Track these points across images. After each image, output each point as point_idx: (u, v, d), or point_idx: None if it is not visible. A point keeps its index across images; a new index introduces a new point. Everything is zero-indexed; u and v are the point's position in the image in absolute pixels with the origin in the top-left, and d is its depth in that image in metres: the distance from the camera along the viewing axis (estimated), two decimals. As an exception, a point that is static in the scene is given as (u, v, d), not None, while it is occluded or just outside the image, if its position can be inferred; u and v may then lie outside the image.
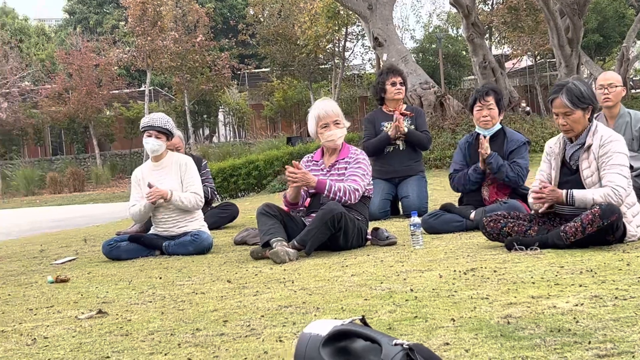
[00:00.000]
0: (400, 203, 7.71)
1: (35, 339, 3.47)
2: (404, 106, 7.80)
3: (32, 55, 38.01)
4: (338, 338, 2.22)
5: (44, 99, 31.53)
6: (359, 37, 30.49)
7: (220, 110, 36.25)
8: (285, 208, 5.77)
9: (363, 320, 2.29)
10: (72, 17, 44.64)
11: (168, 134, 6.44)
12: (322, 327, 2.26)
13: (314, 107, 5.83)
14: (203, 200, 6.41)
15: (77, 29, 39.79)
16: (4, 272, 6.25)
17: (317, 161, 5.88)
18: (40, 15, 71.44)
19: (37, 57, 37.90)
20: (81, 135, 33.89)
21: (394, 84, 7.69)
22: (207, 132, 37.47)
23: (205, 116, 34.98)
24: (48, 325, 3.75)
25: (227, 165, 16.30)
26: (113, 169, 31.73)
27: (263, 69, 34.90)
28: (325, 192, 5.50)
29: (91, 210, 18.18)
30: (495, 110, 6.10)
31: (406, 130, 7.57)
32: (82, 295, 4.62)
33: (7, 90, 31.31)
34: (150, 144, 6.38)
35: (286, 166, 5.70)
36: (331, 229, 5.30)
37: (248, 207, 10.64)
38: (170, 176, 6.37)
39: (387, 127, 7.64)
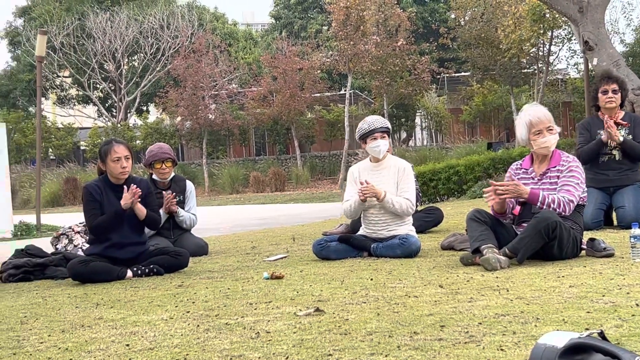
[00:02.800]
0: (614, 213, 7.39)
1: (258, 332, 3.61)
2: (621, 114, 7.44)
3: (239, 59, 39.59)
4: (575, 351, 2.16)
5: (249, 101, 32.73)
6: (565, 40, 29.57)
7: (417, 114, 36.27)
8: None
9: (602, 334, 2.21)
10: (277, 22, 46.16)
11: (389, 132, 6.51)
12: (558, 338, 2.21)
13: (525, 113, 5.67)
14: (414, 208, 6.43)
15: (283, 33, 41.09)
16: (220, 267, 6.55)
17: (527, 169, 5.72)
18: (248, 20, 74.41)
19: (244, 61, 39.45)
20: (283, 137, 34.92)
21: (605, 92, 7.37)
22: (404, 135, 37.59)
23: (403, 120, 35.11)
24: (269, 320, 3.89)
25: (427, 169, 16.28)
26: (312, 170, 32.45)
27: (463, 73, 34.58)
28: (539, 204, 5.35)
29: (292, 209, 18.69)
30: None
31: (621, 139, 7.24)
32: (297, 292, 4.76)
33: (216, 92, 32.76)
34: (381, 145, 6.43)
35: (490, 182, 5.60)
36: (545, 238, 5.16)
37: (450, 212, 10.56)
38: (387, 178, 6.42)
39: (602, 134, 7.35)
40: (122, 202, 6.10)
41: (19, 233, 14.92)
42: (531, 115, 5.58)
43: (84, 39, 36.23)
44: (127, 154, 6.20)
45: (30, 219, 16.00)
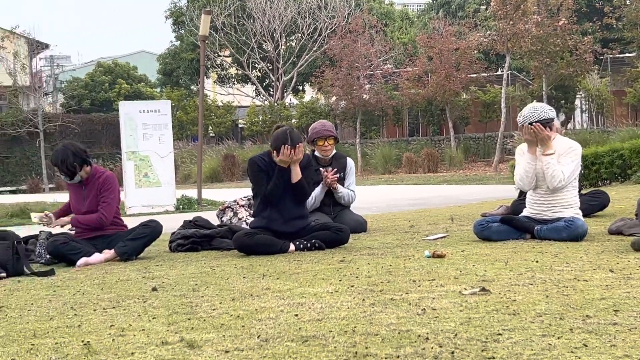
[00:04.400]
0: None
1: (424, 309, 3.61)
2: None
3: (395, 39, 39.49)
4: None
5: (404, 81, 32.56)
6: None
7: (577, 96, 35.06)
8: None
9: None
10: (434, 1, 45.66)
11: (549, 123, 6.22)
12: None
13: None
14: (564, 182, 6.04)
15: (439, 13, 40.64)
16: (380, 244, 6.59)
17: None
18: (405, 0, 74.08)
19: (400, 41, 39.31)
20: (437, 118, 34.55)
21: None
22: (562, 118, 36.47)
23: (562, 102, 34.04)
24: (434, 298, 3.89)
25: (589, 152, 15.73)
26: (466, 152, 31.97)
27: (628, 54, 33.15)
28: None
29: (446, 191, 18.52)
30: None
31: None
32: (460, 271, 4.73)
33: (371, 73, 32.80)
34: None
35: None
36: None
37: (615, 196, 10.15)
38: (554, 160, 6.21)
39: None
40: (279, 157, 6.24)
41: (181, 206, 15.53)
42: None
43: (244, 19, 37.08)
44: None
45: (191, 193, 16.60)
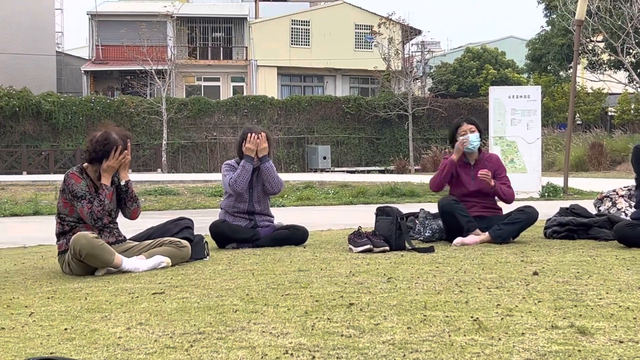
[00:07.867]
0: None
1: None
2: None
3: None
4: None
5: None
6: None
7: None
8: None
9: None
10: None
11: None
12: None
13: None
14: None
15: None
16: None
17: None
18: None
19: None
20: None
21: None
22: None
23: None
24: None
25: None
26: None
27: None
28: None
29: None
30: None
31: None
32: None
33: None
34: None
35: None
36: None
37: None
38: None
39: None
40: None
41: (545, 194, 15.28)
42: None
43: (621, 3, 35.35)
44: None
45: (556, 181, 16.27)
